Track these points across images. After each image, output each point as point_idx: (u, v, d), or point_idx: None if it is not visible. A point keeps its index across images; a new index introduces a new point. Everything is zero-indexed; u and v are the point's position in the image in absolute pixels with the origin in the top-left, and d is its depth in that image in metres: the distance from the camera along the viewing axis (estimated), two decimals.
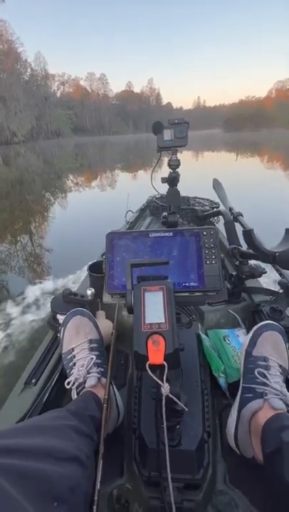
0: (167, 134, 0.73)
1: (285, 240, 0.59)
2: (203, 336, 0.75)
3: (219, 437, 0.58)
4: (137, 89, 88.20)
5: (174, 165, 0.76)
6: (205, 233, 0.60)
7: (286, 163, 9.92)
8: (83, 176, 9.49)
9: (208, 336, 0.79)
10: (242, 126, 60.67)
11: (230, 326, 0.84)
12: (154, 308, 0.45)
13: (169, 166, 0.77)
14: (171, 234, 0.62)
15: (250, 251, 0.69)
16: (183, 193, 1.93)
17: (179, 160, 0.76)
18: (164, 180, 0.79)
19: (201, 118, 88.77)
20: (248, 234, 0.64)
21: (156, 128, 0.72)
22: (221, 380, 0.66)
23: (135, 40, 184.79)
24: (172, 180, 0.78)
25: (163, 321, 0.43)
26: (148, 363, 0.40)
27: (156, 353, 0.41)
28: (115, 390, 0.60)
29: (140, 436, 0.52)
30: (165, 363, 0.40)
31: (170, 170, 0.77)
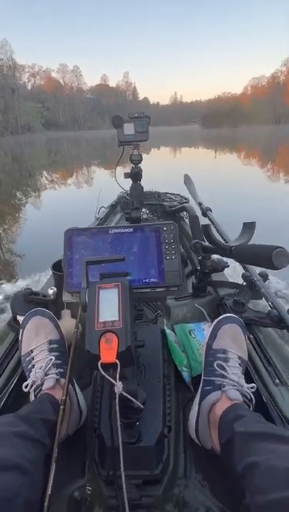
0: (128, 128, 0.72)
1: (242, 234, 0.60)
2: (168, 331, 0.75)
3: (182, 431, 0.59)
4: (112, 84, 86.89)
5: (136, 160, 0.76)
6: (165, 228, 0.60)
7: (264, 160, 10.17)
8: (57, 174, 9.20)
9: (174, 331, 0.80)
10: (220, 123, 60.99)
11: (196, 320, 0.85)
12: (109, 306, 0.44)
13: (131, 161, 0.76)
14: (131, 230, 0.61)
15: (211, 245, 0.70)
16: (155, 189, 1.94)
17: (140, 155, 0.76)
18: (126, 175, 0.78)
19: (178, 113, 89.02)
20: (206, 229, 0.64)
21: (115, 122, 0.71)
22: (185, 374, 0.67)
23: (109, 34, 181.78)
24: (135, 175, 0.77)
25: (117, 318, 0.42)
26: (100, 361, 0.39)
27: (108, 351, 0.40)
28: (77, 390, 0.59)
29: (100, 435, 0.51)
30: (118, 361, 0.39)
31: (132, 165, 0.76)
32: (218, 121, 61.69)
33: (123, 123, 0.71)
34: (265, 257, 0.43)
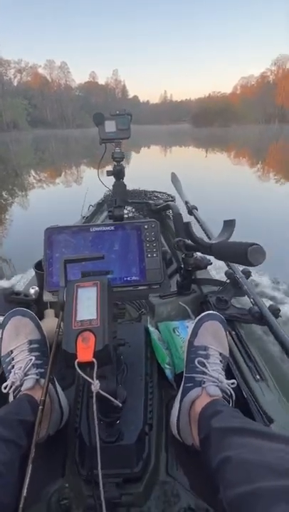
0: (109, 126, 0.71)
1: (222, 231, 0.60)
2: (151, 329, 0.75)
3: (164, 428, 0.59)
4: (101, 81, 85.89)
5: (118, 157, 0.75)
6: (146, 226, 0.60)
7: (256, 160, 10.15)
8: (45, 173, 8.96)
9: (158, 329, 0.80)
10: (211, 122, 60.60)
11: (180, 317, 0.85)
12: (87, 304, 0.44)
13: (113, 158, 0.75)
14: (112, 228, 0.61)
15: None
16: (144, 187, 1.94)
17: (123, 153, 0.75)
18: (109, 173, 0.77)
19: (168, 112, 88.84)
20: (187, 226, 0.65)
21: (97, 119, 0.70)
22: (167, 372, 0.67)
23: (98, 30, 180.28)
24: (117, 173, 0.77)
25: (95, 317, 0.42)
26: (76, 360, 0.39)
27: (85, 350, 0.40)
28: (58, 389, 0.59)
29: (80, 434, 0.51)
30: (94, 360, 0.39)
31: (114, 163, 0.76)
32: (208, 121, 61.42)
33: (104, 120, 0.70)
34: (241, 254, 0.44)
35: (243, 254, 0.43)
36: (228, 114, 63.35)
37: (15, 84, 61.78)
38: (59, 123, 64.11)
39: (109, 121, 0.71)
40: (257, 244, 0.44)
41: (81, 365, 0.39)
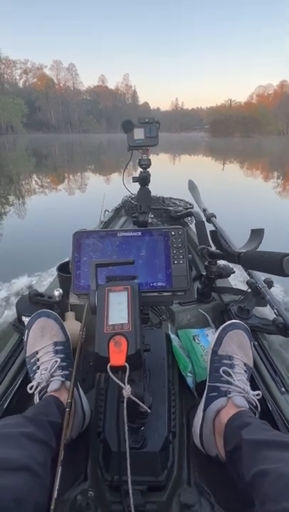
0: (138, 133, 0.73)
1: (249, 240, 0.60)
2: (172, 335, 0.75)
3: (186, 437, 0.58)
4: (111, 85, 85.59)
5: (145, 164, 0.76)
6: (173, 233, 0.60)
7: None
8: (48, 178, 8.52)
9: (178, 336, 0.80)
10: (232, 131, 56.95)
11: (200, 325, 0.85)
12: (118, 308, 0.44)
13: (140, 165, 0.76)
14: (139, 234, 0.61)
15: (219, 251, 0.71)
16: (159, 194, 1.95)
17: (149, 159, 0.76)
18: (134, 179, 0.79)
19: (180, 120, 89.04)
20: (215, 234, 0.65)
21: (126, 126, 0.72)
22: (189, 380, 0.67)
23: (110, 34, 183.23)
24: (143, 179, 0.78)
25: (126, 321, 0.42)
26: (109, 364, 0.39)
27: (117, 354, 0.40)
28: (81, 393, 0.59)
29: (104, 439, 0.51)
30: (127, 365, 0.39)
31: (141, 169, 0.77)
32: (231, 129, 57.68)
33: (133, 128, 0.72)
34: (275, 264, 0.43)
35: (278, 264, 0.43)
36: (251, 123, 59.56)
37: (20, 85, 60.40)
38: (64, 127, 61.48)
39: (138, 129, 0.72)
40: None
41: (112, 369, 0.39)
